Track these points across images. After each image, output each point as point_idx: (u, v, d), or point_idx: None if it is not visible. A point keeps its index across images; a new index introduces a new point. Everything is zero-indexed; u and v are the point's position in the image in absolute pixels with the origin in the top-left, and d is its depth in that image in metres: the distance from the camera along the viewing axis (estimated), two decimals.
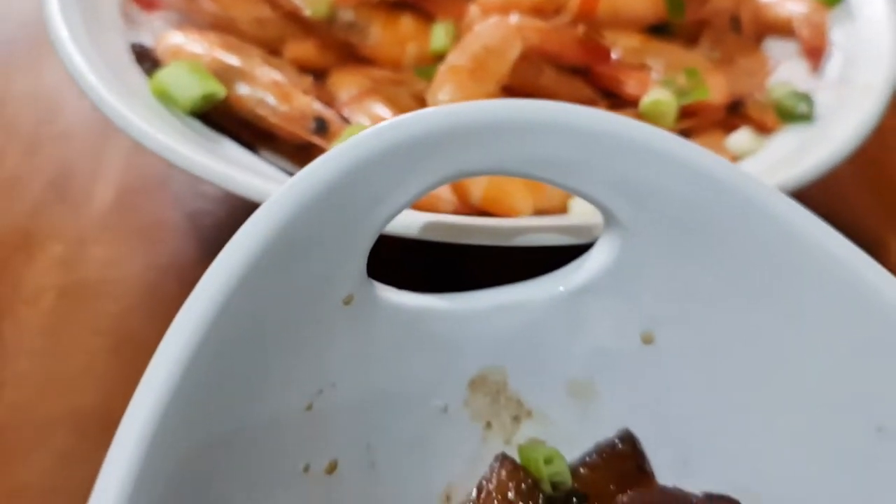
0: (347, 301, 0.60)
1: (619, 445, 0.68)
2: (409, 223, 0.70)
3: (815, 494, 0.65)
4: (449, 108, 0.60)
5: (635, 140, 0.62)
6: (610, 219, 0.65)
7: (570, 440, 0.69)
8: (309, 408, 0.59)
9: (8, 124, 1.12)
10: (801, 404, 0.65)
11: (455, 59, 0.85)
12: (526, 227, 0.72)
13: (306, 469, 0.59)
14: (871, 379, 0.62)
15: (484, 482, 0.66)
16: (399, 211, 0.60)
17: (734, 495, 0.65)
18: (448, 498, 0.68)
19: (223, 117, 0.88)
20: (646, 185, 0.63)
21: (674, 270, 0.66)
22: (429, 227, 0.70)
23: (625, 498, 0.60)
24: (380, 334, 0.62)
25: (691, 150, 0.63)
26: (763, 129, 0.92)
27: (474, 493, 0.66)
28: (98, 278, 0.94)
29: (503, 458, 0.66)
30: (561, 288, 0.67)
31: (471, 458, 0.68)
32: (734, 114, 0.94)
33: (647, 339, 0.68)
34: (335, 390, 0.60)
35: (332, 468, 0.61)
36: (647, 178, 0.63)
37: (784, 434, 0.66)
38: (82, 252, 0.97)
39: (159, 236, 1.00)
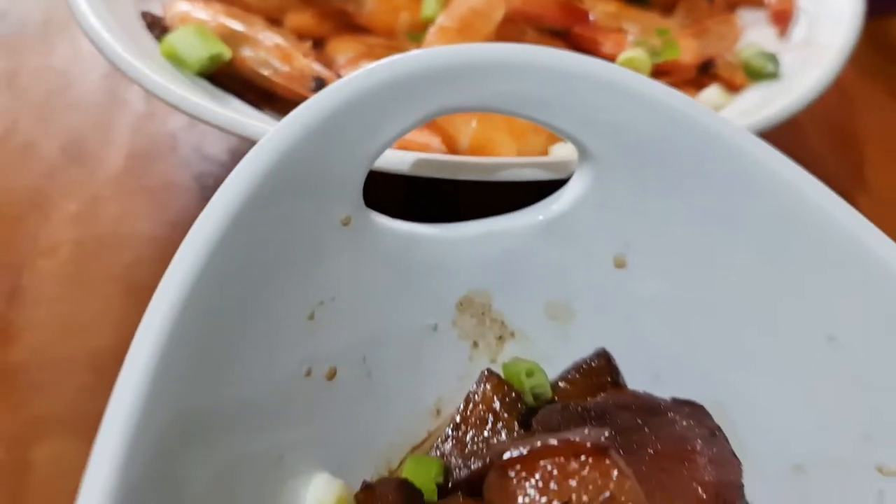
0: (346, 222, 0.66)
1: (595, 362, 0.74)
2: (403, 160, 0.76)
3: (774, 402, 0.71)
4: (434, 51, 0.66)
5: (605, 79, 0.68)
6: (583, 152, 0.71)
7: (551, 359, 0.75)
8: (311, 317, 0.65)
9: (21, 94, 1.18)
10: (761, 320, 0.72)
11: (444, 20, 0.92)
12: (508, 164, 0.78)
13: (308, 373, 0.65)
14: (821, 293, 0.68)
15: (471, 395, 0.72)
16: (391, 142, 0.66)
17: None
18: (438, 412, 0.74)
19: (228, 79, 0.94)
20: (616, 120, 0.69)
21: (644, 200, 0.72)
22: (421, 163, 0.76)
23: (598, 398, 0.66)
24: (375, 255, 0.68)
25: (657, 89, 0.70)
26: (732, 88, 0.99)
27: (462, 406, 0.72)
28: (111, 232, 1.01)
29: (488, 374, 0.72)
30: (540, 217, 0.73)
31: (459, 375, 0.74)
32: (705, 74, 1.01)
33: (620, 264, 0.74)
34: (335, 303, 0.66)
35: (331, 375, 0.67)
36: (616, 114, 0.69)
37: (745, 348, 0.72)
38: (95, 209, 1.03)
39: (167, 195, 1.06)
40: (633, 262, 0.74)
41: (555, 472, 0.53)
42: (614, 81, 0.68)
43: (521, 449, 0.54)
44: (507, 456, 0.54)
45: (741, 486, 0.63)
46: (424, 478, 0.67)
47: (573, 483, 0.53)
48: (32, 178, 1.06)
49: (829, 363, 0.70)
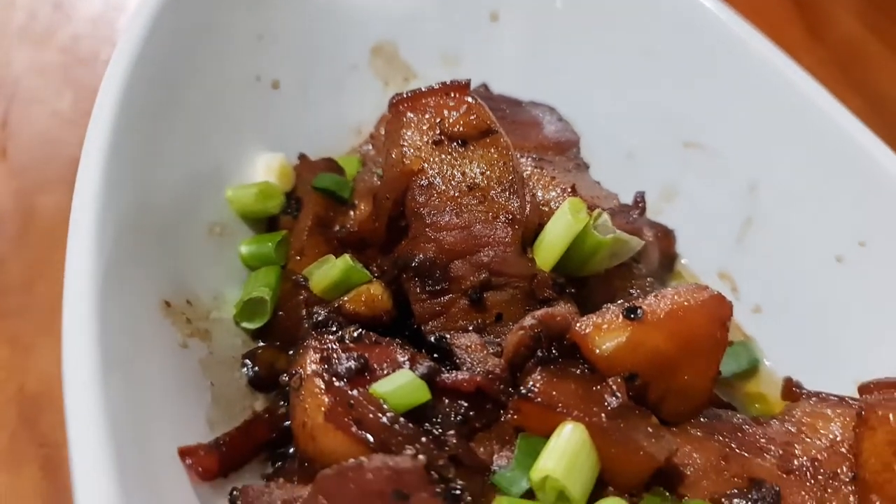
0: None
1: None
2: None
3: (610, 107, 0.96)
4: None
5: None
6: None
7: None
8: (260, 38, 0.87)
9: None
10: (601, 47, 0.96)
11: None
12: None
13: (258, 78, 0.88)
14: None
15: (384, 117, 0.95)
16: None
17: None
18: (360, 131, 0.97)
19: None
20: None
21: None
22: None
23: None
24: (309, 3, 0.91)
25: None
26: None
27: (376, 125, 0.95)
28: None
29: (396, 99, 0.95)
30: None
31: (374, 105, 0.97)
32: None
33: (494, 17, 0.98)
34: (277, 36, 0.89)
35: (276, 85, 0.90)
36: None
37: (590, 66, 0.97)
38: None
39: None
40: (505, 15, 0.98)
41: (432, 102, 0.77)
42: None
43: (408, 92, 0.78)
44: (396, 99, 0.77)
45: (577, 143, 0.87)
46: (350, 169, 0.90)
47: (445, 112, 0.77)
48: None
49: (647, 77, 0.94)
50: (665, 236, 0.90)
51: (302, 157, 0.89)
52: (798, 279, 0.84)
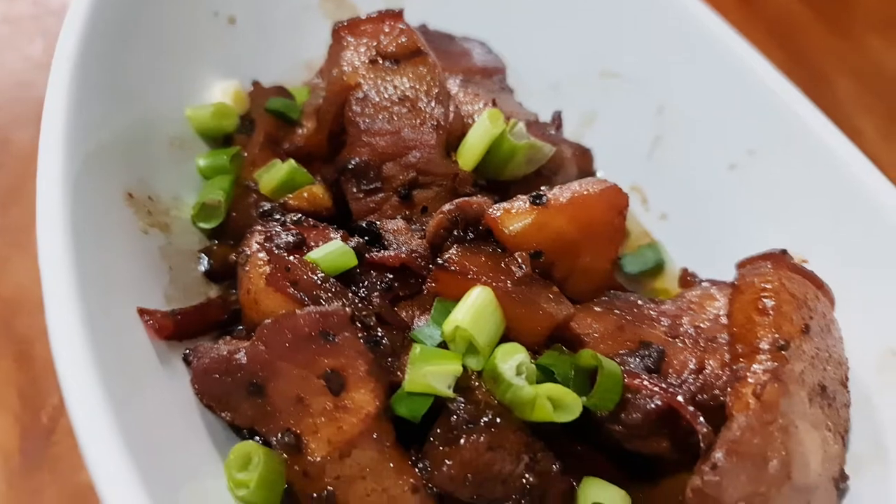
0: None
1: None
2: None
3: (538, 42, 1.05)
4: None
5: None
6: None
7: None
8: None
9: None
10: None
11: None
12: None
13: (216, 14, 0.97)
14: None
15: (331, 48, 1.04)
16: None
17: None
18: (310, 67, 1.06)
19: None
20: None
21: None
22: None
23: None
24: None
25: None
26: None
27: (326, 59, 1.04)
28: None
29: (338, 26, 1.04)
30: None
31: (324, 43, 1.05)
32: None
33: None
34: None
35: (232, 20, 0.99)
36: None
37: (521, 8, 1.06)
38: None
39: None
40: None
41: (368, 28, 0.86)
42: None
43: (348, 20, 0.87)
44: (337, 25, 0.87)
45: (503, 71, 0.97)
46: (300, 98, 0.99)
47: (380, 36, 0.86)
48: None
49: (572, 14, 1.04)
50: (583, 154, 0.99)
51: (255, 83, 0.98)
52: (698, 187, 0.94)
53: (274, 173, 0.86)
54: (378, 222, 0.81)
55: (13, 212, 1.05)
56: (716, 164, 0.92)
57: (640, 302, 0.81)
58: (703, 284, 0.83)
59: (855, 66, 1.51)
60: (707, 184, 0.93)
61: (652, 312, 0.80)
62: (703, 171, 0.93)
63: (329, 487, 0.67)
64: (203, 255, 0.85)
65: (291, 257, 0.73)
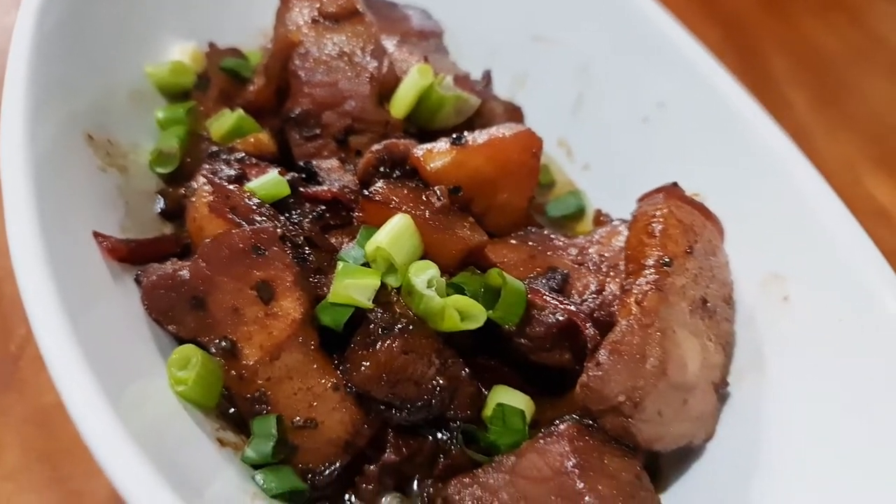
0: None
1: None
2: None
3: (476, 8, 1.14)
4: None
5: None
6: None
7: None
8: None
9: None
10: None
11: None
12: None
13: None
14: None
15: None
16: None
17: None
18: (265, 34, 1.13)
19: None
20: None
21: None
22: None
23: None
24: None
25: None
26: None
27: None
28: None
29: None
30: None
31: None
32: None
33: None
34: None
35: None
36: None
37: None
38: None
39: None
40: None
41: None
42: None
43: None
44: None
45: (440, 35, 1.05)
46: (253, 60, 1.07)
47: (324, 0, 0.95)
48: None
49: None
50: (513, 111, 1.07)
51: (211, 45, 1.06)
52: (616, 139, 1.03)
53: (223, 121, 0.95)
54: (314, 161, 0.89)
55: None
56: (631, 118, 1.01)
57: (552, 236, 0.90)
58: (614, 223, 0.92)
59: (791, 45, 1.60)
60: (623, 135, 1.02)
61: (563, 245, 0.89)
62: (620, 124, 1.02)
63: (261, 388, 0.75)
64: (159, 195, 0.94)
65: (232, 187, 0.81)
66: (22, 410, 0.92)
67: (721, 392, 0.79)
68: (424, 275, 0.76)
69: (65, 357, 0.64)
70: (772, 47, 1.57)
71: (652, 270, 0.76)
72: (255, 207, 0.79)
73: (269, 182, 0.82)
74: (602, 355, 0.72)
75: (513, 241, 0.89)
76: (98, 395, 0.62)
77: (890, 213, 1.28)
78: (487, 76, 1.03)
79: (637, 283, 0.76)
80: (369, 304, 0.75)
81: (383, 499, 0.77)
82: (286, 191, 0.82)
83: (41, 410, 0.91)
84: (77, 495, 0.85)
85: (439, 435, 0.78)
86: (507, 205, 0.89)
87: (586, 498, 0.69)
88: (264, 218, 0.79)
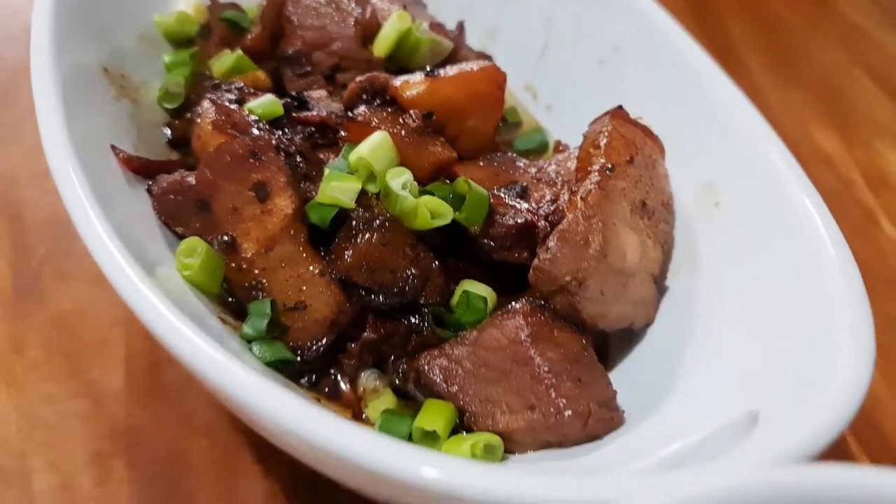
0: None
1: None
2: None
3: None
4: None
5: None
6: None
7: None
8: None
9: None
10: None
11: None
12: None
13: None
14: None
15: None
16: None
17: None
18: None
19: None
20: None
21: None
22: None
23: None
24: None
25: None
26: None
27: None
28: None
29: None
30: None
31: None
32: None
33: None
34: None
35: None
36: None
37: None
38: None
39: None
40: None
41: None
42: None
43: None
44: None
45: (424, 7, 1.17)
46: (251, 15, 1.18)
47: None
48: None
49: None
50: (484, 59, 1.19)
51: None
52: (575, 81, 1.14)
53: (224, 60, 1.06)
54: (305, 92, 1.01)
55: (3, 112, 1.24)
56: (589, 62, 1.13)
57: (516, 158, 1.02)
58: (571, 150, 1.04)
59: (751, 14, 1.72)
60: (582, 78, 1.13)
61: (524, 165, 1.01)
62: (579, 69, 1.14)
63: (257, 277, 0.87)
64: (166, 127, 1.05)
65: (233, 106, 0.93)
66: (42, 316, 1.03)
67: (659, 284, 0.91)
68: (400, 178, 0.87)
69: (101, 234, 0.74)
70: (731, 14, 1.69)
71: (597, 174, 0.88)
72: (252, 123, 0.91)
73: (266, 102, 0.93)
74: (551, 241, 0.84)
75: (480, 163, 1.00)
76: (133, 267, 0.73)
77: (833, 159, 1.39)
78: (461, 26, 1.15)
79: (583, 184, 0.87)
80: (352, 205, 0.87)
81: (363, 374, 0.88)
82: (280, 111, 0.94)
83: (60, 315, 1.02)
84: (94, 384, 0.96)
85: (413, 319, 0.89)
86: (476, 130, 1.00)
87: (537, 359, 0.80)
88: (261, 132, 0.90)
